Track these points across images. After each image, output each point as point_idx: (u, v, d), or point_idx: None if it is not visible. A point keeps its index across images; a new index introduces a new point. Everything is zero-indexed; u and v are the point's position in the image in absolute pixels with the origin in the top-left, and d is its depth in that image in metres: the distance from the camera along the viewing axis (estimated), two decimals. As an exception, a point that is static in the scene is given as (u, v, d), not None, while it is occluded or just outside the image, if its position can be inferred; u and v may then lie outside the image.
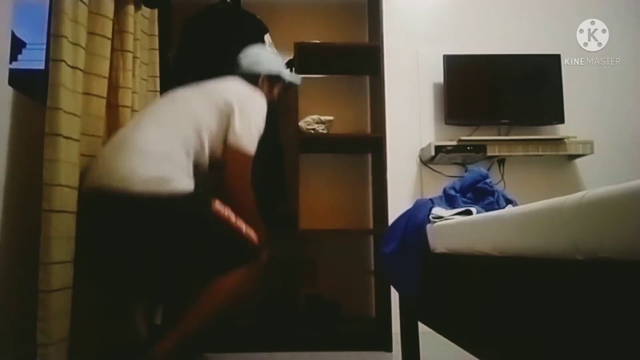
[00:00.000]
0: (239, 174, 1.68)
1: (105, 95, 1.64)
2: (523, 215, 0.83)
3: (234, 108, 1.67)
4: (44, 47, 1.84)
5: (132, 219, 1.49)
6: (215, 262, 1.55)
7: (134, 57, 1.80)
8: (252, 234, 1.60)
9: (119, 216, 1.49)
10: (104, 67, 1.63)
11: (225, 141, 1.67)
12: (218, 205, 1.58)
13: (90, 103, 1.58)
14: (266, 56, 1.97)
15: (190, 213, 1.54)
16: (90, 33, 1.60)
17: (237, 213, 1.60)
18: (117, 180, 1.46)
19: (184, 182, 1.55)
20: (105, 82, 1.64)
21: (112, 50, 1.69)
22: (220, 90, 1.74)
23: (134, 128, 1.61)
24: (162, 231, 1.51)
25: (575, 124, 2.57)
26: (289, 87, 2.09)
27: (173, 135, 1.60)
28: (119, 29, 1.71)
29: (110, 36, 1.65)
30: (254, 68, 1.89)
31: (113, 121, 1.70)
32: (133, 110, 1.78)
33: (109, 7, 1.65)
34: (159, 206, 1.49)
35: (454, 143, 2.41)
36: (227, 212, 1.58)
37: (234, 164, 1.67)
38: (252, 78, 1.87)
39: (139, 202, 1.46)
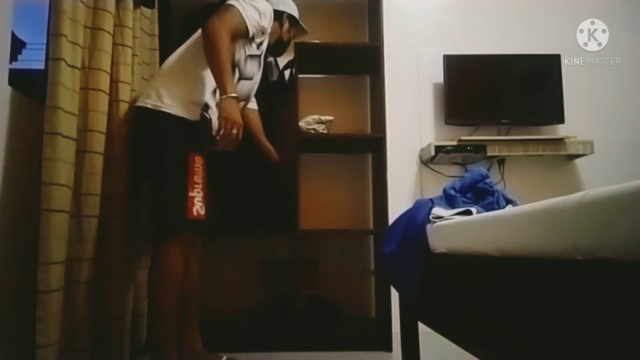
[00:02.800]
0: (216, 19, 1.67)
1: (108, 91, 1.64)
2: (523, 215, 0.83)
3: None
4: (44, 47, 1.84)
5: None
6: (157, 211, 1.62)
7: (133, 54, 1.80)
8: (196, 208, 1.59)
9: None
10: (107, 62, 1.63)
11: None
12: (197, 156, 1.62)
13: (96, 99, 1.58)
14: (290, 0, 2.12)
15: (159, 131, 1.64)
16: (95, 28, 1.60)
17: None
18: None
19: (170, 104, 1.64)
20: (108, 78, 1.64)
21: (113, 44, 1.69)
22: None
23: None
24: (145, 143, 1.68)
25: (575, 124, 2.57)
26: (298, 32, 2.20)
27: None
28: (118, 23, 1.71)
29: (111, 31, 1.65)
30: (280, 6, 2.03)
31: (113, 116, 1.70)
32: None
33: (110, 2, 1.65)
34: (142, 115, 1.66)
35: (454, 143, 2.41)
36: (196, 168, 1.61)
37: (217, 13, 1.69)
38: (278, 14, 2.00)
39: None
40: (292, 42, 2.22)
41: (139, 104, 1.68)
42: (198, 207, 1.60)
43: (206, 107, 1.72)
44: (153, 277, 1.66)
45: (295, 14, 2.11)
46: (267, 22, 1.84)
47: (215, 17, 1.68)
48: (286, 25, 2.08)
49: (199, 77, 1.73)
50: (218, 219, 1.87)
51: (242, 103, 1.94)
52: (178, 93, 1.68)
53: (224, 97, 1.62)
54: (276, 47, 2.13)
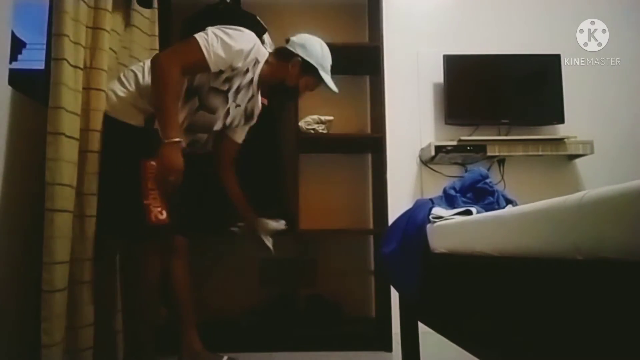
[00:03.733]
0: (168, 51, 1.65)
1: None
2: (523, 215, 0.83)
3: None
4: (44, 47, 1.84)
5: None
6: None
7: (130, 56, 1.80)
8: (154, 213, 1.54)
9: None
10: (106, 62, 1.63)
11: None
12: (150, 163, 1.55)
13: (97, 98, 1.58)
14: (314, 46, 1.86)
15: (112, 139, 1.59)
16: (95, 28, 1.60)
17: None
18: None
19: (124, 111, 1.61)
20: (107, 77, 1.64)
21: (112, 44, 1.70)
22: None
23: None
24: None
25: (575, 124, 2.57)
26: (318, 86, 1.93)
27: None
28: (115, 24, 1.71)
29: (109, 30, 1.65)
30: (294, 47, 1.84)
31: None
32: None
33: (110, 2, 1.65)
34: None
35: (454, 143, 2.41)
36: (149, 174, 1.55)
37: (177, 43, 1.69)
38: (286, 53, 1.83)
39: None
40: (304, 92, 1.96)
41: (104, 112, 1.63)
42: (157, 212, 1.54)
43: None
44: (129, 287, 1.66)
45: (321, 64, 1.85)
46: (242, 61, 1.68)
47: (169, 49, 1.65)
48: (295, 70, 1.82)
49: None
50: (190, 216, 1.83)
51: (204, 135, 1.86)
52: (137, 103, 1.63)
53: (164, 142, 1.54)
54: (279, 91, 1.92)
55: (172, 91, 1.58)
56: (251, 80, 1.81)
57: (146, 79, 1.66)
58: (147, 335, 1.65)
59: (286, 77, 1.83)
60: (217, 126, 1.84)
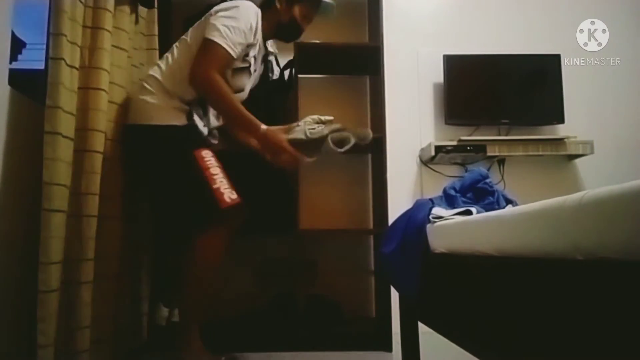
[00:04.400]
0: (201, 64, 1.64)
1: (108, 90, 1.64)
2: (523, 215, 0.83)
3: (212, 12, 1.71)
4: (44, 47, 1.84)
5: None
6: (182, 212, 1.61)
7: (128, 57, 1.80)
8: (226, 195, 1.57)
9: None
10: (108, 61, 1.63)
11: None
12: (204, 152, 1.61)
13: (96, 98, 1.58)
14: None
15: (167, 147, 1.62)
16: (95, 27, 1.60)
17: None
18: None
19: (165, 116, 1.64)
20: (108, 77, 1.64)
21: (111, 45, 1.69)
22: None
23: None
24: (144, 160, 1.67)
25: (575, 124, 2.57)
26: (319, 9, 1.97)
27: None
28: (115, 25, 1.71)
29: (111, 30, 1.65)
30: None
31: (108, 117, 1.69)
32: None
33: (110, 2, 1.65)
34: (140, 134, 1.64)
35: (454, 143, 2.41)
36: (207, 162, 1.60)
37: (198, 54, 1.66)
38: None
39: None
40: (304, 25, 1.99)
41: (129, 122, 1.68)
42: (228, 194, 1.58)
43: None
44: (188, 269, 1.64)
45: None
46: (253, 34, 1.75)
47: (198, 63, 1.65)
48: (283, 4, 1.88)
49: (183, 86, 1.69)
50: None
51: None
52: (167, 104, 1.67)
53: (261, 133, 1.65)
54: (282, 33, 1.97)
55: (228, 95, 1.66)
56: (259, 44, 1.85)
57: (174, 78, 1.69)
58: (197, 320, 1.67)
59: (280, 17, 1.87)
60: (244, 98, 1.89)
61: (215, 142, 1.84)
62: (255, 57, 1.86)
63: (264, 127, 1.67)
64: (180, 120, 1.67)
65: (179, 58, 1.73)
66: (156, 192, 1.72)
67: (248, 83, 1.88)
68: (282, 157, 1.68)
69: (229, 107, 1.68)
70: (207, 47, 1.65)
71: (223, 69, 1.68)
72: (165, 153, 1.64)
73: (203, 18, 1.77)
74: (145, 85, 1.71)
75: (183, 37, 1.80)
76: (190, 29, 1.80)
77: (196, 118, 1.69)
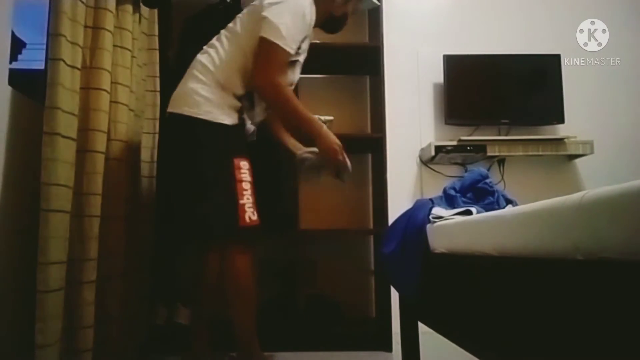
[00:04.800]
0: (264, 70, 1.58)
1: (110, 90, 1.64)
2: (523, 215, 0.83)
3: (263, 5, 1.61)
4: (44, 47, 1.84)
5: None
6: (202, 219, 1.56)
7: (132, 56, 1.80)
8: (247, 214, 1.54)
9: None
10: (109, 62, 1.63)
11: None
12: (242, 162, 1.58)
13: (97, 98, 1.58)
14: None
15: (205, 142, 1.58)
16: (96, 27, 1.60)
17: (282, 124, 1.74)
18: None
19: (218, 112, 1.59)
20: (109, 77, 1.64)
21: (113, 46, 1.69)
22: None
23: None
24: (183, 152, 1.62)
25: (575, 124, 2.57)
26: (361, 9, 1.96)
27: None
28: (117, 25, 1.71)
29: (112, 31, 1.65)
30: None
31: (111, 117, 1.69)
32: (130, 110, 1.77)
33: (110, 2, 1.65)
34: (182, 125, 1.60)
35: (454, 143, 2.41)
36: (242, 175, 1.56)
37: (258, 59, 1.59)
38: None
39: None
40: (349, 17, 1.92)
41: (175, 110, 1.61)
42: (250, 213, 1.55)
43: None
44: (227, 287, 1.64)
45: None
46: (308, 26, 1.68)
47: (263, 68, 1.59)
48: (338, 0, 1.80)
49: (235, 80, 1.65)
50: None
51: None
52: (221, 99, 1.61)
53: (323, 132, 1.63)
54: (329, 25, 1.88)
55: (294, 100, 1.63)
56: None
57: (227, 71, 1.63)
58: (254, 328, 1.70)
59: (333, 9, 1.80)
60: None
61: (254, 139, 1.84)
62: (304, 49, 1.79)
63: (325, 127, 1.67)
64: (231, 119, 1.62)
65: (230, 49, 1.66)
66: (183, 187, 1.64)
67: (298, 74, 1.82)
68: (336, 157, 1.66)
69: (295, 111, 1.63)
70: (269, 51, 1.58)
71: (284, 69, 1.64)
72: (208, 152, 1.58)
73: (253, 9, 1.68)
74: (197, 73, 1.63)
75: (231, 25, 1.72)
76: (239, 18, 1.72)
77: (245, 116, 1.69)
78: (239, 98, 1.66)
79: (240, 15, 1.73)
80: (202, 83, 1.61)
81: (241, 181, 1.55)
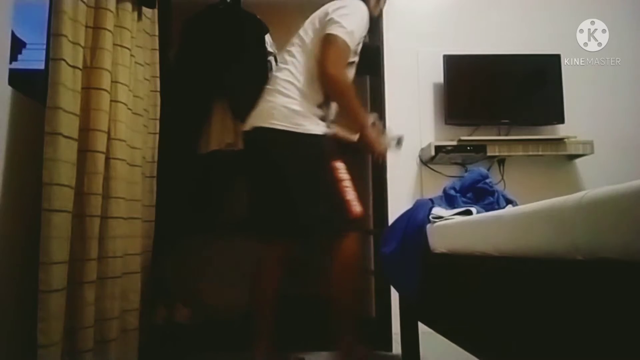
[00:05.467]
0: (330, 61, 1.66)
1: (110, 89, 1.64)
2: (523, 215, 0.83)
3: (328, 11, 1.75)
4: (44, 47, 1.84)
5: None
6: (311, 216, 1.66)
7: (131, 55, 1.79)
8: (355, 206, 1.70)
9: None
10: (109, 61, 1.63)
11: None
12: (338, 164, 1.74)
13: (98, 98, 1.58)
14: None
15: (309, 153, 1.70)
16: (96, 27, 1.60)
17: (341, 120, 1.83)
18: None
19: (310, 124, 1.70)
20: (110, 77, 1.64)
21: (113, 45, 1.69)
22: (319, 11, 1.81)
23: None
24: (285, 163, 1.71)
25: (575, 124, 2.57)
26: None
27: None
28: (118, 24, 1.71)
29: (112, 30, 1.65)
30: None
31: (111, 116, 1.68)
32: (128, 109, 1.77)
33: (112, 2, 1.65)
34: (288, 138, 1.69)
35: (454, 143, 2.41)
36: (341, 174, 1.73)
37: (325, 51, 1.67)
38: None
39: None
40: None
41: (269, 125, 1.68)
42: (356, 206, 1.71)
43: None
44: (340, 270, 1.75)
45: None
46: (365, 32, 1.83)
47: (329, 60, 1.66)
48: (372, 2, 1.92)
49: (316, 88, 1.74)
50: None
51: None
52: (308, 111, 1.71)
53: (368, 129, 1.78)
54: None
55: (353, 92, 1.74)
56: None
57: (309, 84, 1.72)
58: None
59: (371, 11, 1.88)
60: None
61: None
62: (358, 52, 1.89)
63: (369, 128, 1.80)
64: (320, 128, 1.73)
65: (304, 60, 1.75)
66: (292, 194, 1.72)
67: (352, 75, 1.89)
68: (379, 148, 1.84)
69: (353, 104, 1.75)
70: (336, 45, 1.67)
71: (347, 66, 1.75)
72: (311, 161, 1.71)
73: (317, 19, 1.79)
74: (282, 89, 1.72)
75: (297, 40, 1.80)
76: (307, 30, 1.80)
77: (327, 123, 1.79)
78: (320, 106, 1.76)
79: (305, 27, 1.82)
80: (290, 97, 1.71)
81: (342, 180, 1.73)
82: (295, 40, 1.82)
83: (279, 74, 1.79)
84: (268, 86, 1.80)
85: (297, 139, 1.67)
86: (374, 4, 1.91)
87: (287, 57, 1.80)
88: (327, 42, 1.68)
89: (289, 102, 1.69)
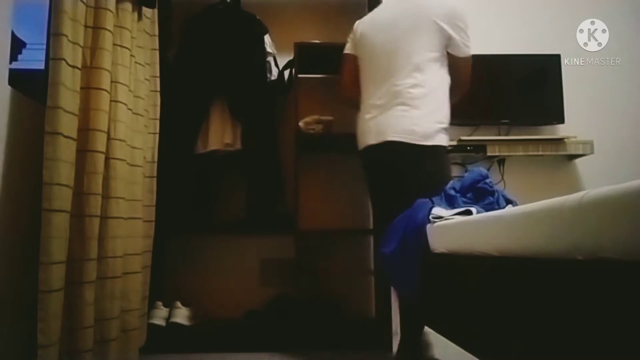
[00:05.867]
0: (469, 75, 1.95)
1: (110, 89, 1.64)
2: (523, 215, 0.83)
3: (443, 25, 1.86)
4: (44, 47, 1.84)
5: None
6: None
7: (131, 55, 1.79)
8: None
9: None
10: (109, 61, 1.63)
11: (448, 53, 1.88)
12: None
13: (97, 98, 1.58)
14: None
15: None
16: (96, 27, 1.60)
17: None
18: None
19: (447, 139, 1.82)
20: (109, 77, 1.64)
21: (112, 45, 1.69)
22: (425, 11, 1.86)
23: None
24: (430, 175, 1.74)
25: (575, 124, 2.56)
26: None
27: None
28: (117, 24, 1.71)
29: (112, 30, 1.65)
30: None
31: (111, 116, 1.68)
32: (128, 109, 1.77)
33: (111, 1, 1.65)
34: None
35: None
36: None
37: (467, 70, 1.93)
38: None
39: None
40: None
41: (433, 143, 1.73)
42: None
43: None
44: None
45: None
46: None
47: (469, 75, 1.91)
48: None
49: (446, 100, 1.84)
50: None
51: None
52: (445, 128, 1.79)
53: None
54: None
55: None
56: None
57: (443, 100, 1.82)
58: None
59: None
60: None
61: None
62: None
63: None
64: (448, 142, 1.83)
65: (435, 77, 1.82)
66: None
67: None
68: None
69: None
70: (467, 65, 1.93)
71: None
72: (449, 172, 1.83)
73: (415, 21, 1.83)
74: (416, 103, 1.76)
75: (407, 47, 1.82)
76: (411, 35, 1.82)
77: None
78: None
79: (408, 34, 1.82)
80: (431, 114, 1.77)
81: None
82: (406, 47, 1.83)
83: (411, 90, 1.83)
84: (400, 99, 1.86)
85: (440, 152, 1.80)
86: None
87: (413, 71, 1.82)
88: (464, 64, 1.94)
89: (436, 120, 1.81)
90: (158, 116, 2.05)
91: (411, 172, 1.73)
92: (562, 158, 2.61)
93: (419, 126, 1.73)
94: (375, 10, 2.00)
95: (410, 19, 1.82)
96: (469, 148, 2.40)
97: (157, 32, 2.07)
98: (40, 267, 1.34)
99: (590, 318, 0.66)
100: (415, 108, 1.74)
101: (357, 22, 1.99)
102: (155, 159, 2.02)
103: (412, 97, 1.75)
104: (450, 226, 1.23)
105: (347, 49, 1.99)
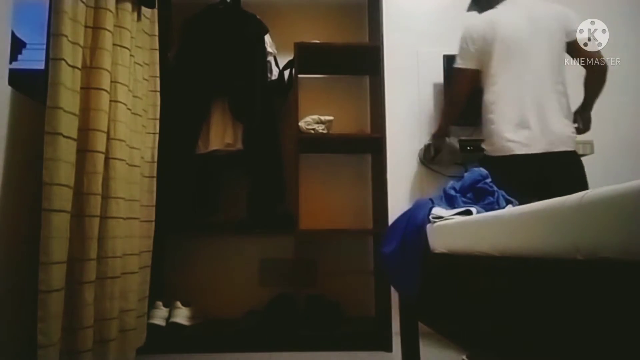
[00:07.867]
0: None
1: (110, 89, 1.64)
2: (523, 215, 0.83)
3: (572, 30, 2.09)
4: (44, 47, 1.84)
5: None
6: None
7: (130, 55, 1.79)
8: None
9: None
10: (109, 61, 1.63)
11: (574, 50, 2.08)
12: None
13: (97, 98, 1.58)
14: None
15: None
16: (96, 27, 1.60)
17: None
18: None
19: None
20: (109, 77, 1.64)
21: (112, 45, 1.69)
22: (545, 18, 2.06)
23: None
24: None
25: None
26: None
27: None
28: (117, 24, 1.71)
29: (112, 30, 1.65)
30: None
31: (111, 116, 1.68)
32: (127, 109, 1.77)
33: (111, 1, 1.65)
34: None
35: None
36: None
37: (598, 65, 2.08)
38: None
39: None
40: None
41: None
42: None
43: None
44: None
45: None
46: None
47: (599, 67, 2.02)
48: None
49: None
50: None
51: None
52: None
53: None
54: None
55: None
56: None
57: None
58: None
59: None
60: None
61: None
62: None
63: None
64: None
65: (561, 80, 2.02)
66: None
67: None
68: None
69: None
70: (601, 61, 2.09)
71: None
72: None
73: (544, 30, 2.08)
74: (568, 111, 1.99)
75: (549, 56, 2.07)
76: (547, 47, 2.08)
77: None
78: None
79: (542, 43, 2.08)
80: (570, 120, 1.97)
81: None
82: (547, 56, 2.08)
83: (558, 97, 2.02)
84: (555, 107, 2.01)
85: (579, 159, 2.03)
86: None
87: (559, 84, 2.04)
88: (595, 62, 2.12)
89: (572, 128, 2.05)
90: (158, 116, 2.05)
91: None
92: (562, 158, 2.60)
93: None
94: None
95: None
96: (469, 148, 2.40)
97: (156, 32, 2.07)
98: (40, 267, 1.34)
99: (590, 318, 0.66)
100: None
101: None
102: (155, 159, 2.02)
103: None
104: (450, 226, 1.23)
105: None
